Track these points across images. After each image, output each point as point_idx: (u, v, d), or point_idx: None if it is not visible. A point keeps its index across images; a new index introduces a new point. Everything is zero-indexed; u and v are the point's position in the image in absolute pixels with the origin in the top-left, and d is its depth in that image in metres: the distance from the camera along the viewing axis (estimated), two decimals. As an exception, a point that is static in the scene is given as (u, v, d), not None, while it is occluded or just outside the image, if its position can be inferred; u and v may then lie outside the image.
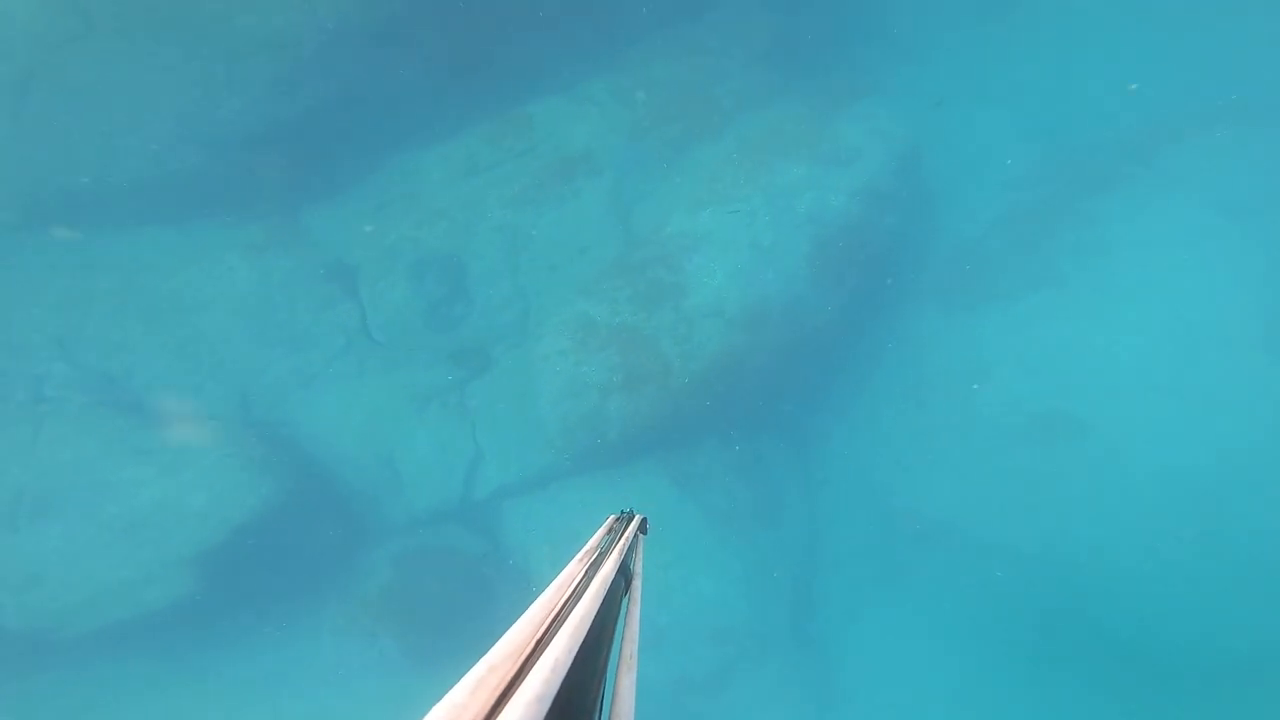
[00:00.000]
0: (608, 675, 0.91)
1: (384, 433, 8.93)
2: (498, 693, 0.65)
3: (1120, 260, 10.03)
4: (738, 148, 10.48)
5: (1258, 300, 9.23)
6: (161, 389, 8.61)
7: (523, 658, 0.72)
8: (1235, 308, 9.27)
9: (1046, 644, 8.57)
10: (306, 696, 8.10)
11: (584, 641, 0.80)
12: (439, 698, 0.62)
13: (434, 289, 9.64)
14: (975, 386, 9.66)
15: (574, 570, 1.08)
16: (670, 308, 9.39)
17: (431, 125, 10.50)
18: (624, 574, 1.22)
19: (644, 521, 1.63)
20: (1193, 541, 8.37)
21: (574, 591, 0.96)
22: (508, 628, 0.80)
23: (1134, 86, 11.39)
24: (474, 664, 0.69)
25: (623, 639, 1.06)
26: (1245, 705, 7.87)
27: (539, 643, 0.77)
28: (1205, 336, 9.23)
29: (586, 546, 1.26)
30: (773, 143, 10.40)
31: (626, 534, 1.40)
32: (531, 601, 0.89)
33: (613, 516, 1.54)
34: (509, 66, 10.61)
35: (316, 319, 9.34)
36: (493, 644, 0.75)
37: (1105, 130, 11.33)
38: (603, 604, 0.95)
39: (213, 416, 8.62)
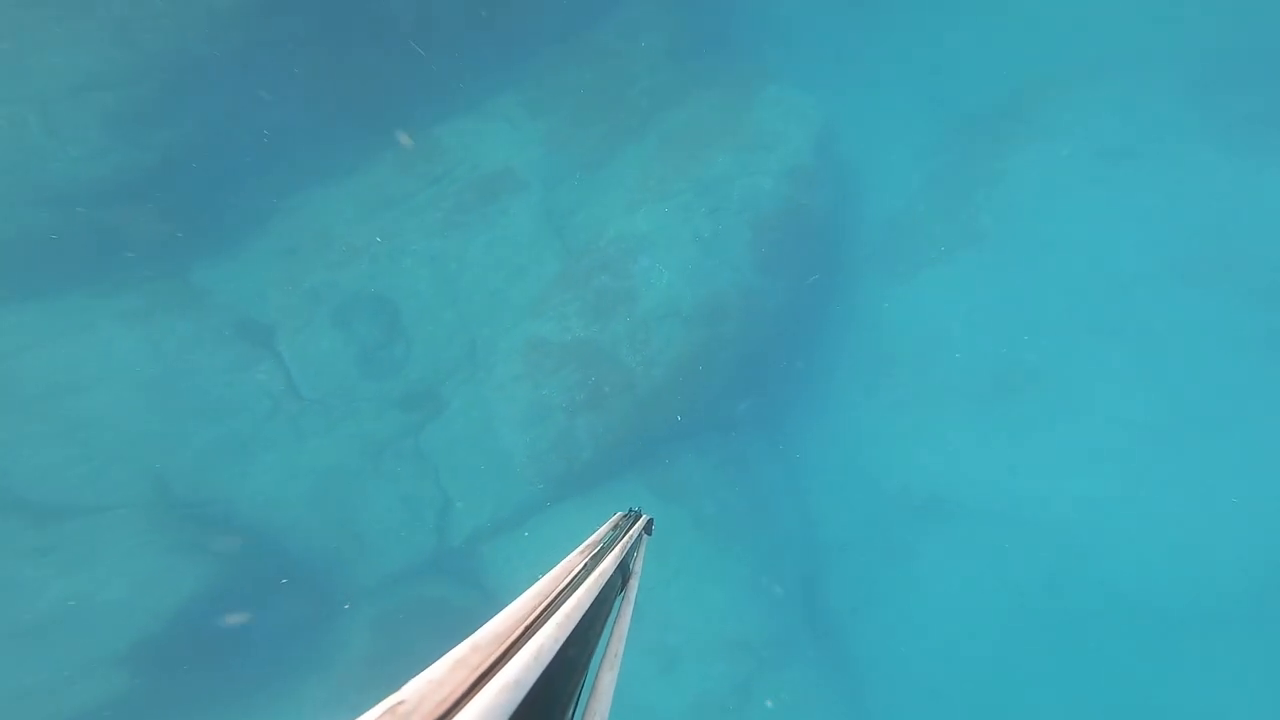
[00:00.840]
0: (590, 670, 0.89)
1: (336, 494, 7.91)
2: (477, 673, 0.63)
3: (1030, 212, 10.60)
4: (662, 145, 10.28)
5: (1161, 236, 9.96)
6: (50, 482, 7.24)
7: (508, 641, 0.71)
8: (1144, 243, 9.96)
9: (1056, 601, 8.69)
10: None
11: (571, 634, 0.78)
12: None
13: (365, 333, 8.73)
14: (930, 352, 9.85)
15: (574, 561, 1.07)
16: (623, 315, 8.98)
17: (331, 159, 9.60)
18: (622, 571, 1.21)
19: (650, 523, 1.61)
20: (1164, 474, 8.78)
21: (570, 582, 0.95)
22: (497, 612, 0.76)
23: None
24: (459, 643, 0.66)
25: (610, 636, 1.05)
26: (1247, 641, 8.26)
27: (527, 629, 0.75)
28: (1123, 273, 9.86)
29: (590, 540, 1.25)
30: (696, 135, 10.27)
31: (631, 532, 1.39)
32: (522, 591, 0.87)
33: (619, 514, 1.52)
34: (406, 90, 9.92)
35: (232, 384, 8.19)
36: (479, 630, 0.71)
37: (988, 92, 12.03)
38: (596, 599, 0.94)
39: (121, 504, 7.33)
